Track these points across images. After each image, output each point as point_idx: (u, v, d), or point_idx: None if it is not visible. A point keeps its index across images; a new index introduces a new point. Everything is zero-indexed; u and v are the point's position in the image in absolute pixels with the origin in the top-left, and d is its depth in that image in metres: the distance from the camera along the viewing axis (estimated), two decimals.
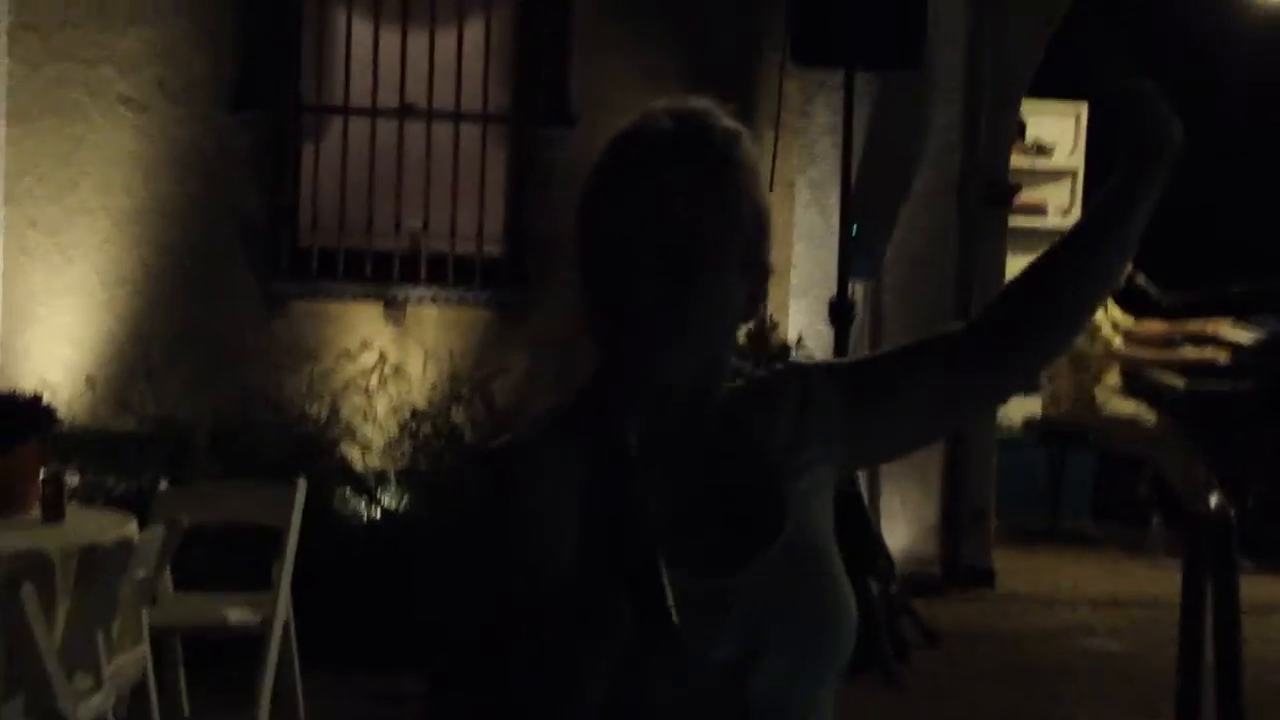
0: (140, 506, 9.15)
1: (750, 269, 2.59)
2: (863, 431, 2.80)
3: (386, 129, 12.10)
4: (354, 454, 11.54)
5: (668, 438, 2.55)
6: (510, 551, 2.50)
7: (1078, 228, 2.78)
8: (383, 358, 11.89)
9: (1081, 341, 13.97)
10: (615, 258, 2.50)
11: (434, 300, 11.91)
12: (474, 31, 12.14)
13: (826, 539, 2.71)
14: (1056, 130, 16.57)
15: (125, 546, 7.69)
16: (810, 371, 2.82)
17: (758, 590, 2.54)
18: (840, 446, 2.78)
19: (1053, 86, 14.08)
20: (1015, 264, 13.55)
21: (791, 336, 11.60)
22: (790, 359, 3.32)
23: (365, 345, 11.91)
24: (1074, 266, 2.74)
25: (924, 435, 3.03)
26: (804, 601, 2.59)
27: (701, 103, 2.67)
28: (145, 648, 7.96)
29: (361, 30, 12.15)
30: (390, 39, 12.13)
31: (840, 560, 2.70)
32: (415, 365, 11.83)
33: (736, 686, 2.50)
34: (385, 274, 11.98)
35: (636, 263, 2.47)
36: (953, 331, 2.81)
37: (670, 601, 2.22)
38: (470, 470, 2.70)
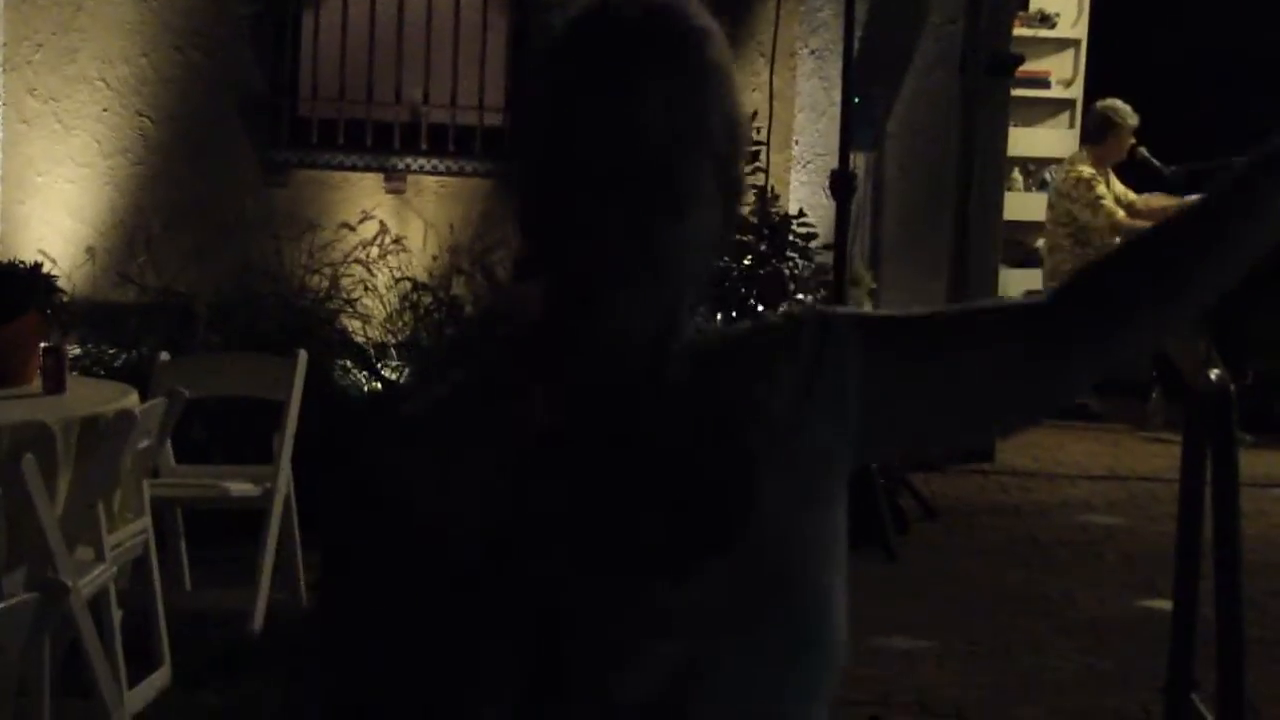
0: (141, 378, 9.16)
1: (725, 189, 2.14)
2: (884, 411, 2.23)
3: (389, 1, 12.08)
4: (354, 326, 11.54)
5: (611, 403, 2.13)
6: (399, 561, 2.05)
7: (1200, 216, 2.27)
8: (383, 229, 11.88)
9: (1084, 214, 14.03)
10: (571, 176, 2.06)
11: (434, 171, 11.91)
12: None
13: (820, 563, 2.20)
14: (1060, 0, 16.53)
15: (126, 418, 7.70)
16: (831, 325, 2.22)
17: (700, 612, 2.05)
18: (857, 429, 2.21)
19: None
20: (1017, 135, 13.55)
21: (793, 208, 11.59)
22: (802, 307, 2.51)
23: (365, 216, 11.90)
24: (1177, 260, 2.23)
25: (951, 431, 2.40)
26: (764, 634, 2.10)
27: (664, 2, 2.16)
28: (147, 520, 7.98)
29: None
30: None
31: (839, 591, 2.19)
32: (416, 237, 11.83)
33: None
34: (385, 144, 11.98)
35: (598, 184, 2.03)
36: (1034, 302, 2.30)
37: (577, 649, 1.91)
38: (364, 451, 2.13)
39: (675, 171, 2.05)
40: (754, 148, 11.46)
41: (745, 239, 10.98)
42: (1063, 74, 16.64)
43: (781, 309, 2.57)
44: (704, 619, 2.04)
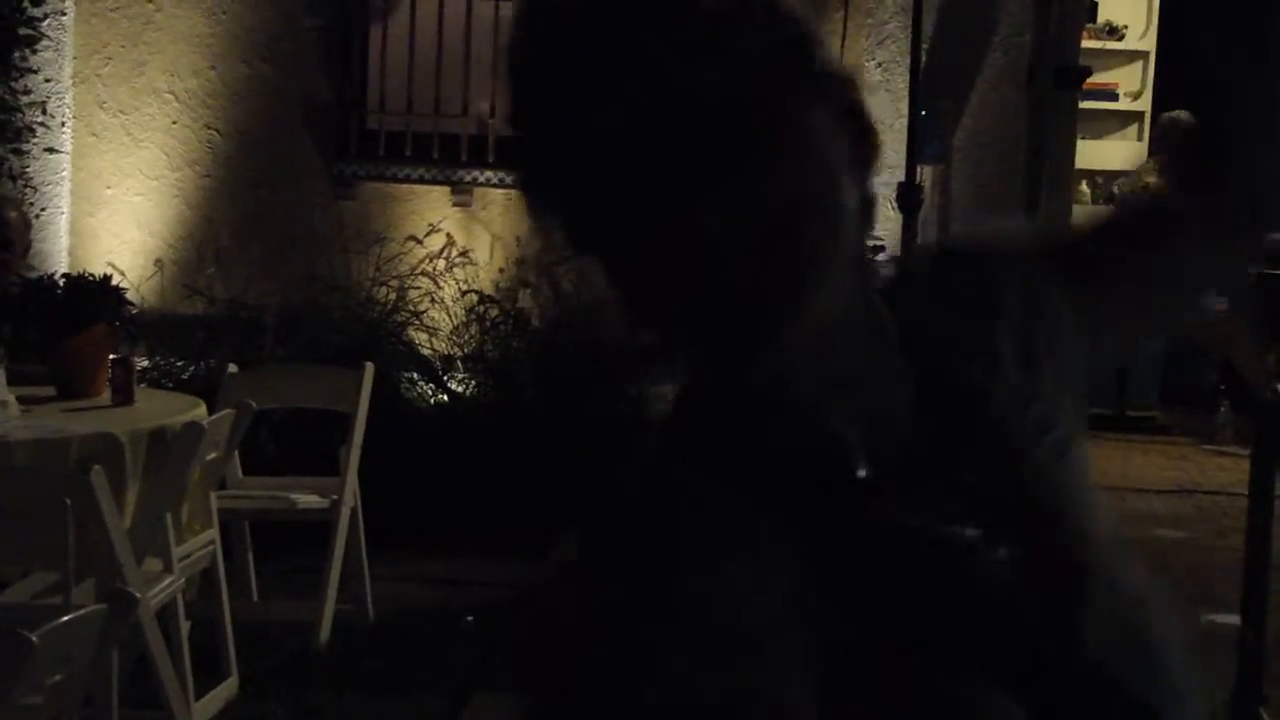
0: (209, 390, 9.18)
1: (825, 95, 1.63)
2: (1098, 328, 1.86)
3: (454, 9, 12.09)
4: (421, 339, 11.56)
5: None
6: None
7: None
8: (450, 241, 11.89)
9: None
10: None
11: (501, 184, 11.91)
12: None
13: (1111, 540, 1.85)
14: (1129, 12, 16.47)
15: (194, 430, 7.72)
16: (1020, 255, 1.85)
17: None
18: (1076, 355, 1.83)
19: None
20: (1085, 147, 13.53)
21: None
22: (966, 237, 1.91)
23: (432, 229, 11.92)
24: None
25: (1162, 316, 2.14)
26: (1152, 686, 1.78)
27: None
28: (214, 532, 8.01)
29: None
30: None
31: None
32: (482, 249, 11.85)
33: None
34: (452, 157, 12.00)
35: (658, 173, 1.49)
36: (1169, 195, 2.03)
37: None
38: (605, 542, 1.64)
39: (776, 127, 1.54)
40: None
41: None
42: (1131, 86, 16.59)
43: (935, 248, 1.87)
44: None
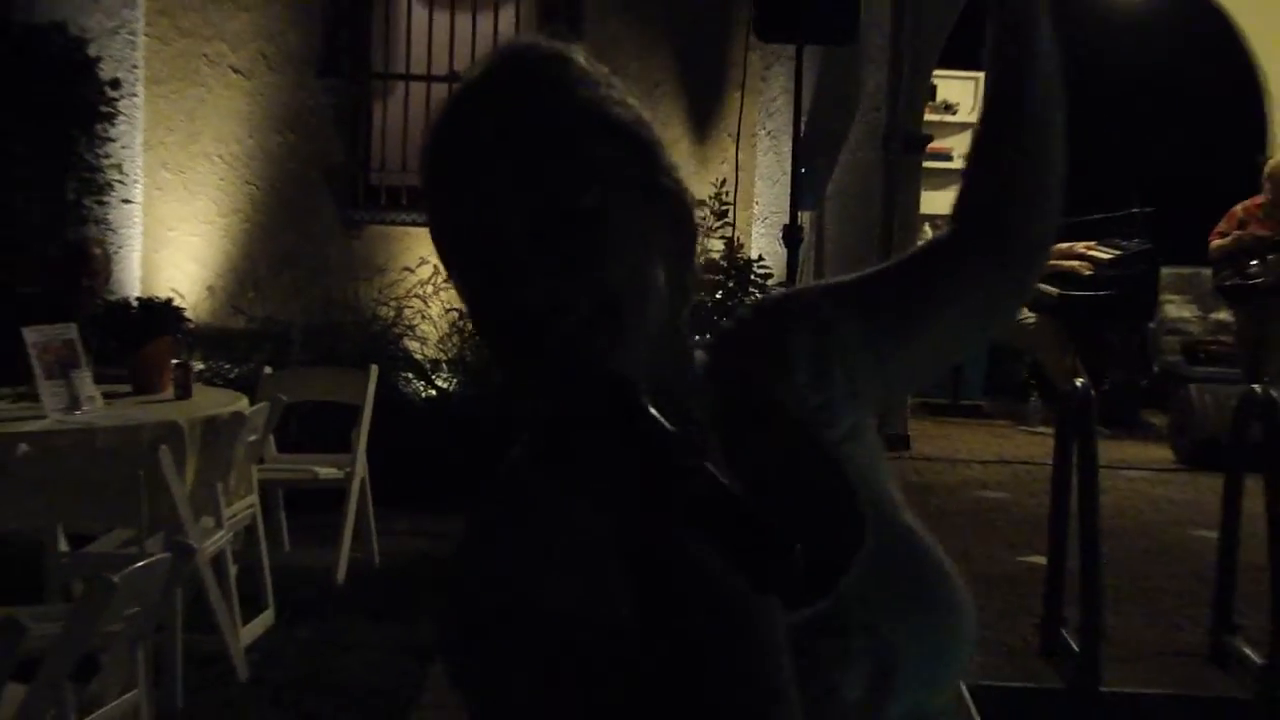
0: (249, 387, 9.20)
1: (652, 193, 1.62)
2: (894, 358, 1.85)
3: (439, 90, 12.08)
4: (414, 347, 11.55)
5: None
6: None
7: (991, 102, 1.99)
8: (436, 270, 11.86)
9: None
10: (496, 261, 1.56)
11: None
12: (507, 13, 12.13)
13: (894, 500, 1.79)
14: (960, 93, 16.52)
15: (238, 418, 7.72)
16: (819, 308, 1.82)
17: (866, 598, 1.61)
18: (873, 381, 1.82)
19: (957, 59, 14.07)
20: (927, 198, 13.56)
21: (754, 255, 11.61)
22: (784, 291, 1.88)
23: (423, 262, 11.91)
24: (1000, 139, 1.95)
25: (948, 349, 2.02)
26: (920, 587, 1.69)
27: (521, 49, 1.67)
28: (254, 497, 8.01)
29: (419, 13, 12.15)
30: (441, 20, 12.12)
31: (914, 517, 1.78)
32: None
33: None
34: None
35: (518, 262, 1.53)
36: (933, 239, 1.98)
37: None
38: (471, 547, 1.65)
39: (585, 209, 1.55)
40: (724, 207, 11.50)
41: (716, 278, 11.02)
42: (962, 150, 16.57)
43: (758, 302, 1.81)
44: (869, 606, 1.61)
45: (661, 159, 1.66)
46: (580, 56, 1.66)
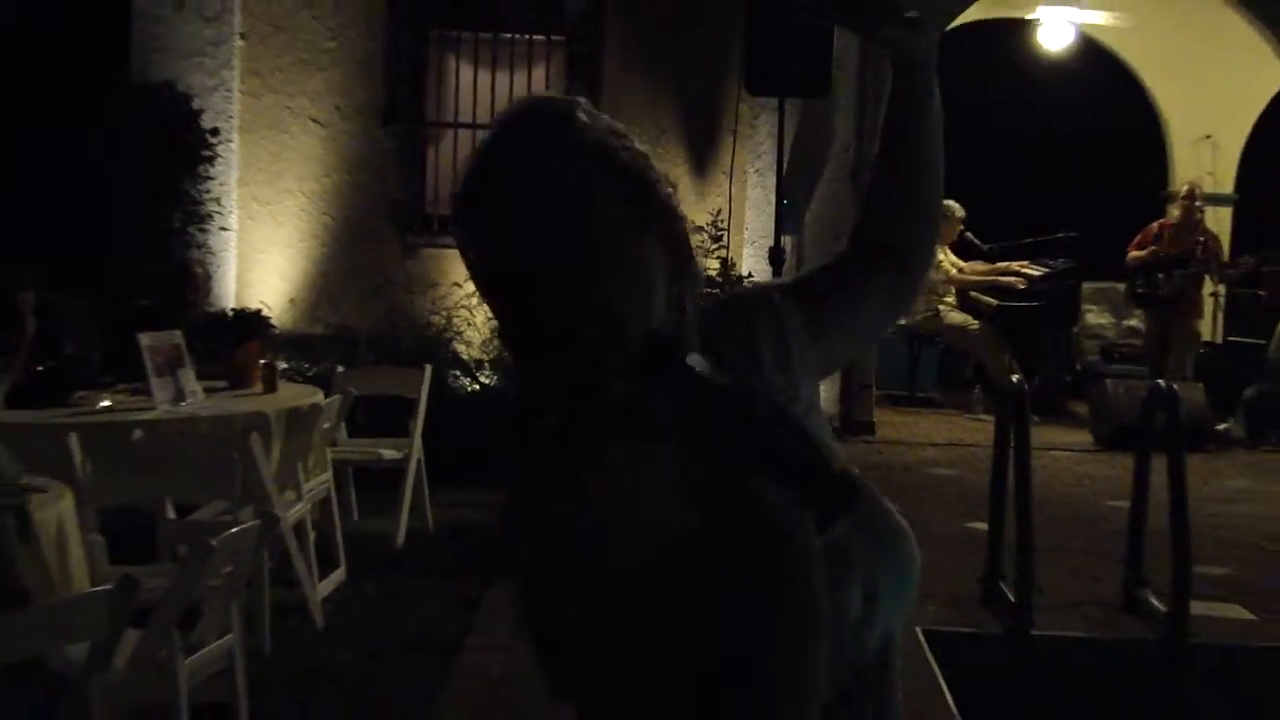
0: (324, 383, 9.21)
1: (653, 225, 1.64)
2: (825, 341, 1.90)
3: (482, 135, 12.06)
4: (461, 349, 11.55)
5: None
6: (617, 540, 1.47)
7: (887, 140, 2.02)
8: None
9: (930, 274, 14.00)
10: (526, 293, 1.62)
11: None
12: (539, 71, 12.11)
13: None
14: None
15: (315, 408, 7.74)
16: (775, 298, 1.88)
17: (854, 543, 1.60)
18: (812, 359, 1.87)
19: None
20: None
21: (744, 272, 11.58)
22: (740, 287, 1.96)
23: (469, 277, 11.87)
24: (897, 170, 2.00)
25: (856, 342, 2.06)
26: (884, 531, 1.71)
27: (539, 103, 1.71)
28: (329, 474, 8.01)
29: (465, 71, 12.13)
30: (484, 76, 12.11)
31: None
32: None
33: (857, 642, 1.64)
34: None
35: (550, 284, 1.57)
36: (843, 250, 2.01)
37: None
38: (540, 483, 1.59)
39: (600, 247, 1.58)
40: (719, 233, 11.47)
41: (713, 291, 11.02)
42: None
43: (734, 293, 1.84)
44: (859, 544, 1.60)
45: (660, 194, 1.67)
46: (582, 111, 1.66)
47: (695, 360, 1.40)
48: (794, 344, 1.85)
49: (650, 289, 1.61)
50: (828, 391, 11.60)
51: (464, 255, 1.71)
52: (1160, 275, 13.32)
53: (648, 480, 1.49)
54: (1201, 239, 13.63)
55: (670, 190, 1.72)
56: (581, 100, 1.68)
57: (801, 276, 1.96)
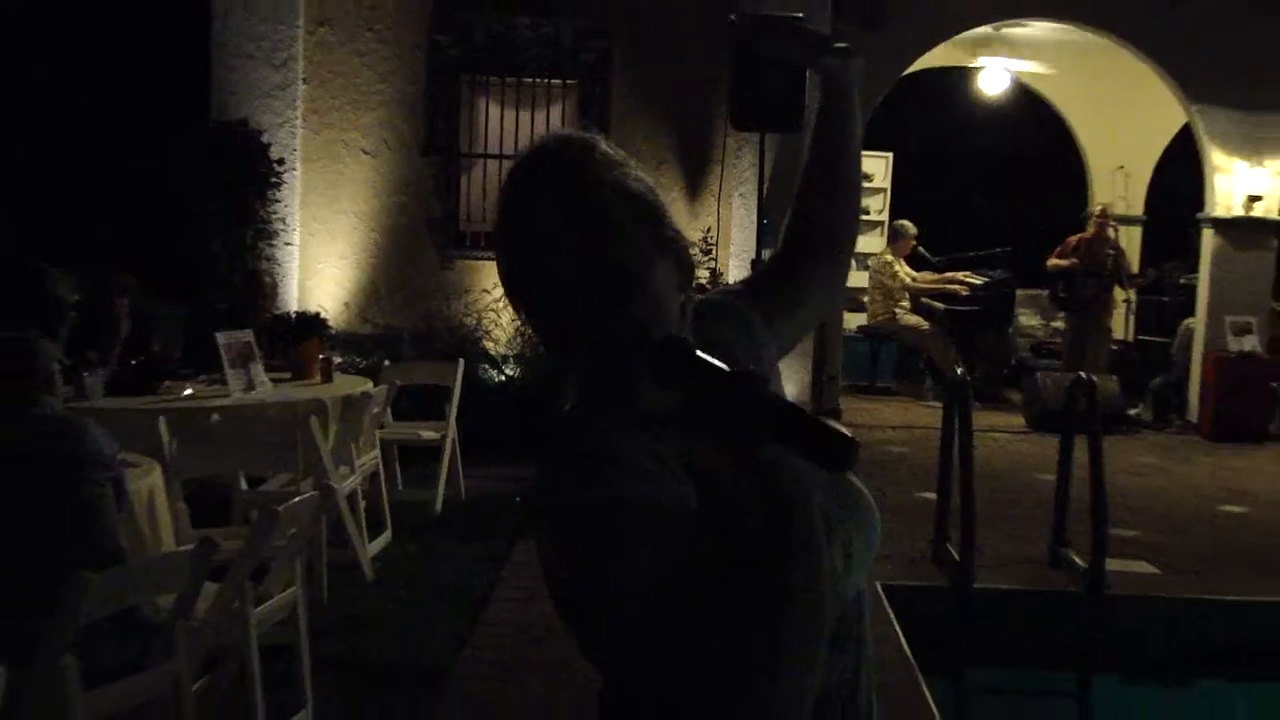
0: (373, 374, 9.22)
1: (664, 244, 1.62)
2: (781, 329, 1.89)
3: (508, 164, 12.03)
4: (489, 346, 11.54)
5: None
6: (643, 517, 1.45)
7: (815, 151, 2.04)
8: None
9: (889, 281, 14.07)
10: (558, 303, 1.57)
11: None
12: (555, 110, 12.07)
13: None
14: (873, 166, 16.41)
15: (366, 396, 7.72)
16: (737, 301, 1.88)
17: (832, 506, 1.61)
18: (773, 349, 1.88)
19: (870, 142, 14.01)
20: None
21: (731, 281, 11.57)
22: (712, 294, 1.93)
23: (496, 285, 11.88)
24: (824, 176, 2.01)
25: (800, 329, 2.01)
26: (851, 497, 1.70)
27: (561, 140, 1.70)
28: (377, 452, 8.00)
29: (494, 109, 12.09)
30: (510, 113, 12.07)
31: None
32: None
33: (840, 594, 1.64)
34: None
35: (575, 296, 1.55)
36: (780, 250, 2.00)
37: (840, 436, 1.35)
38: (567, 472, 1.54)
39: (626, 264, 1.57)
40: (709, 247, 11.46)
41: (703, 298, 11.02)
42: (877, 208, 16.58)
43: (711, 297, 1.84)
44: (835, 511, 1.63)
45: (667, 217, 1.66)
46: (603, 144, 1.65)
47: (705, 356, 1.38)
48: (759, 338, 1.85)
49: (666, 299, 1.60)
50: (800, 382, 11.58)
51: (500, 270, 1.65)
52: (1077, 282, 13.39)
53: (657, 466, 1.49)
54: (1111, 252, 13.67)
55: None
56: (600, 137, 1.67)
57: (752, 278, 1.96)
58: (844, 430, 1.34)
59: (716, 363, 1.37)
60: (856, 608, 1.69)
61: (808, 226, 1.99)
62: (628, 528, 1.44)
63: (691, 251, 1.70)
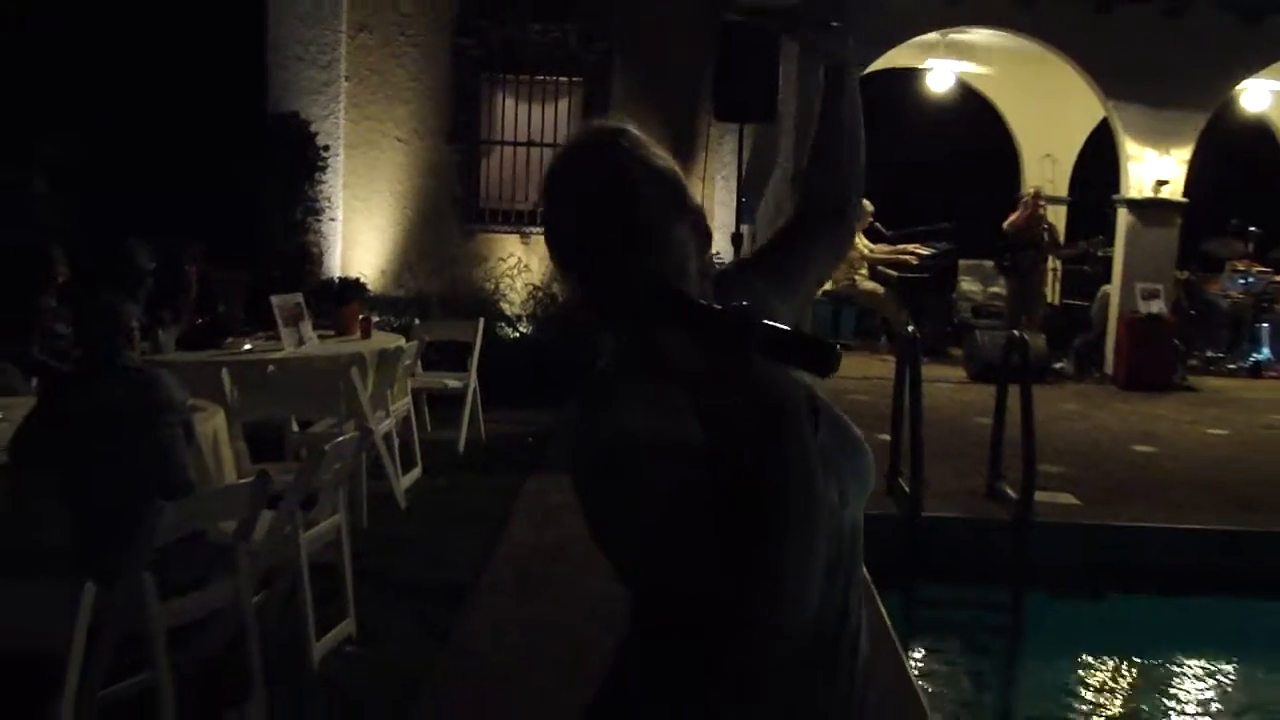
0: (406, 331, 9.20)
1: (684, 213, 1.63)
2: (785, 304, 1.84)
3: (522, 151, 12.02)
4: (505, 307, 11.53)
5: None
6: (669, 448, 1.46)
7: (821, 126, 2.00)
8: (519, 261, 11.84)
9: (849, 253, 14.00)
10: (596, 260, 1.56)
11: (543, 233, 11.84)
12: (563, 104, 12.00)
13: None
14: None
15: (399, 350, 7.71)
16: (746, 274, 1.86)
17: (829, 442, 1.62)
18: (784, 310, 1.82)
19: None
20: None
21: (714, 250, 11.53)
22: (727, 265, 1.92)
23: (511, 254, 11.86)
24: (829, 147, 1.97)
25: (811, 290, 1.97)
26: (849, 442, 1.72)
27: (595, 127, 1.70)
28: (409, 399, 7.99)
29: (510, 102, 12.03)
30: (523, 106, 12.01)
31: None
32: (535, 264, 11.77)
33: (839, 523, 1.61)
34: (520, 221, 11.91)
35: (610, 256, 1.55)
36: (789, 221, 1.97)
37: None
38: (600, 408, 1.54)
39: (650, 223, 1.58)
40: None
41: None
42: None
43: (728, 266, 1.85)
44: (830, 448, 1.62)
45: (687, 191, 1.67)
46: (633, 129, 1.68)
47: (701, 301, 1.42)
48: (767, 306, 1.77)
49: (685, 258, 1.60)
50: None
51: (548, 240, 1.65)
52: (1020, 253, 13.44)
53: (672, 412, 1.47)
54: (1046, 228, 13.75)
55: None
56: (628, 125, 1.69)
57: (762, 249, 1.94)
58: (828, 340, 1.35)
59: (708, 302, 1.41)
60: (853, 538, 1.67)
61: (816, 192, 1.97)
62: (644, 462, 1.45)
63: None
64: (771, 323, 1.37)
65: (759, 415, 1.37)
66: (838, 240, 1.99)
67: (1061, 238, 14.72)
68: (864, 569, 1.72)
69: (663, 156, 1.68)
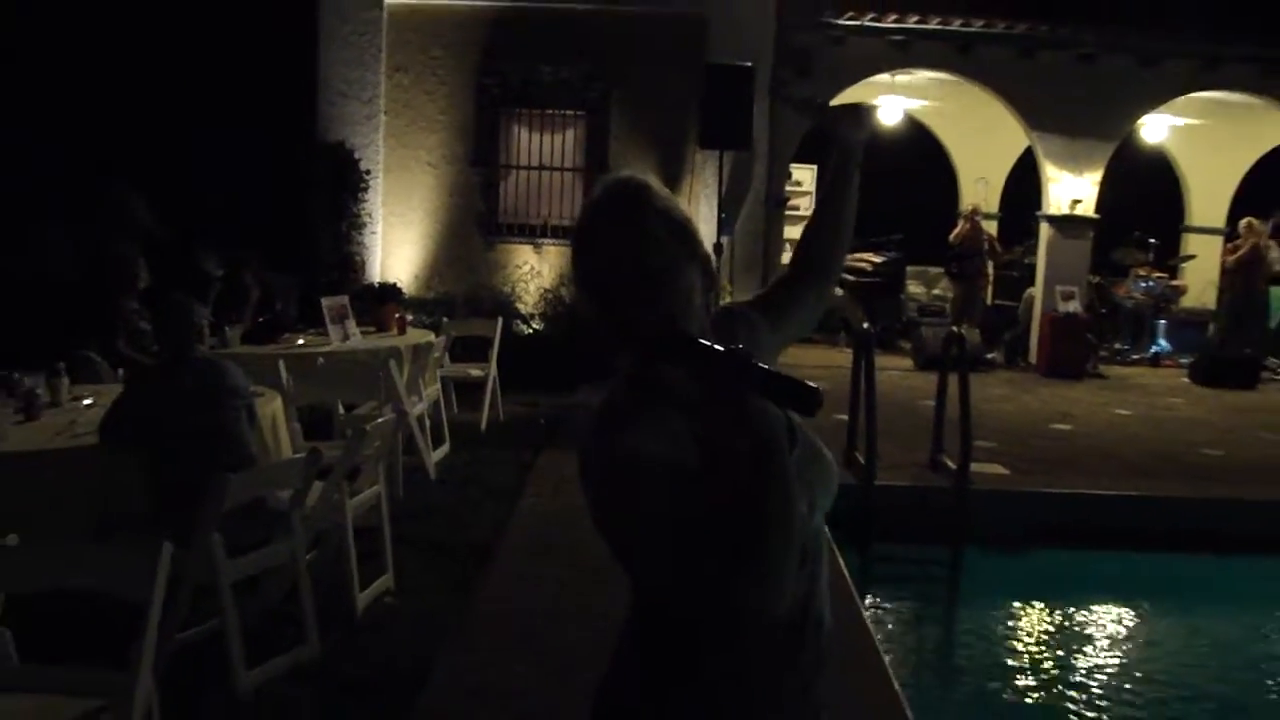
0: (436, 329, 9.15)
1: (695, 258, 1.61)
2: (776, 338, 1.86)
3: (535, 174, 11.98)
4: (521, 307, 11.49)
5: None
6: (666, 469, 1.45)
7: (823, 201, 2.00)
8: (533, 268, 11.81)
9: None
10: (617, 295, 1.56)
11: (553, 245, 11.80)
12: (570, 134, 11.97)
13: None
14: (804, 175, 16.29)
15: (430, 344, 7.68)
16: (748, 312, 1.84)
17: (802, 459, 1.61)
18: (772, 348, 1.85)
19: (803, 156, 13.89)
20: (787, 230, 13.42)
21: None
22: (731, 305, 1.88)
23: (526, 262, 11.83)
24: (827, 221, 1.96)
25: (799, 330, 1.96)
26: (819, 460, 1.69)
27: (623, 180, 1.66)
28: (438, 385, 7.96)
29: (524, 133, 12.00)
30: (536, 136, 11.98)
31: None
32: (547, 271, 11.74)
33: (806, 529, 1.59)
34: (534, 234, 11.88)
35: (629, 293, 1.55)
36: (787, 273, 1.96)
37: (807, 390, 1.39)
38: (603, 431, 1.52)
39: (665, 271, 1.57)
40: None
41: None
42: (806, 206, 16.44)
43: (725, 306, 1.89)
44: (801, 463, 1.60)
45: (698, 238, 1.66)
46: (654, 183, 1.66)
47: (703, 341, 1.42)
48: (761, 339, 1.82)
49: (693, 298, 1.61)
50: None
51: (577, 277, 1.65)
52: (965, 260, 13.55)
53: (672, 434, 1.49)
54: (986, 238, 13.88)
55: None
56: (651, 178, 1.68)
57: (763, 293, 1.94)
58: (812, 384, 1.37)
59: (712, 344, 1.41)
60: (817, 540, 1.68)
61: (809, 255, 1.98)
62: (646, 479, 1.44)
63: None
64: (765, 366, 1.38)
65: (749, 441, 1.39)
66: (821, 294, 2.01)
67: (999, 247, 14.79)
68: (825, 561, 1.72)
69: (678, 207, 1.67)
